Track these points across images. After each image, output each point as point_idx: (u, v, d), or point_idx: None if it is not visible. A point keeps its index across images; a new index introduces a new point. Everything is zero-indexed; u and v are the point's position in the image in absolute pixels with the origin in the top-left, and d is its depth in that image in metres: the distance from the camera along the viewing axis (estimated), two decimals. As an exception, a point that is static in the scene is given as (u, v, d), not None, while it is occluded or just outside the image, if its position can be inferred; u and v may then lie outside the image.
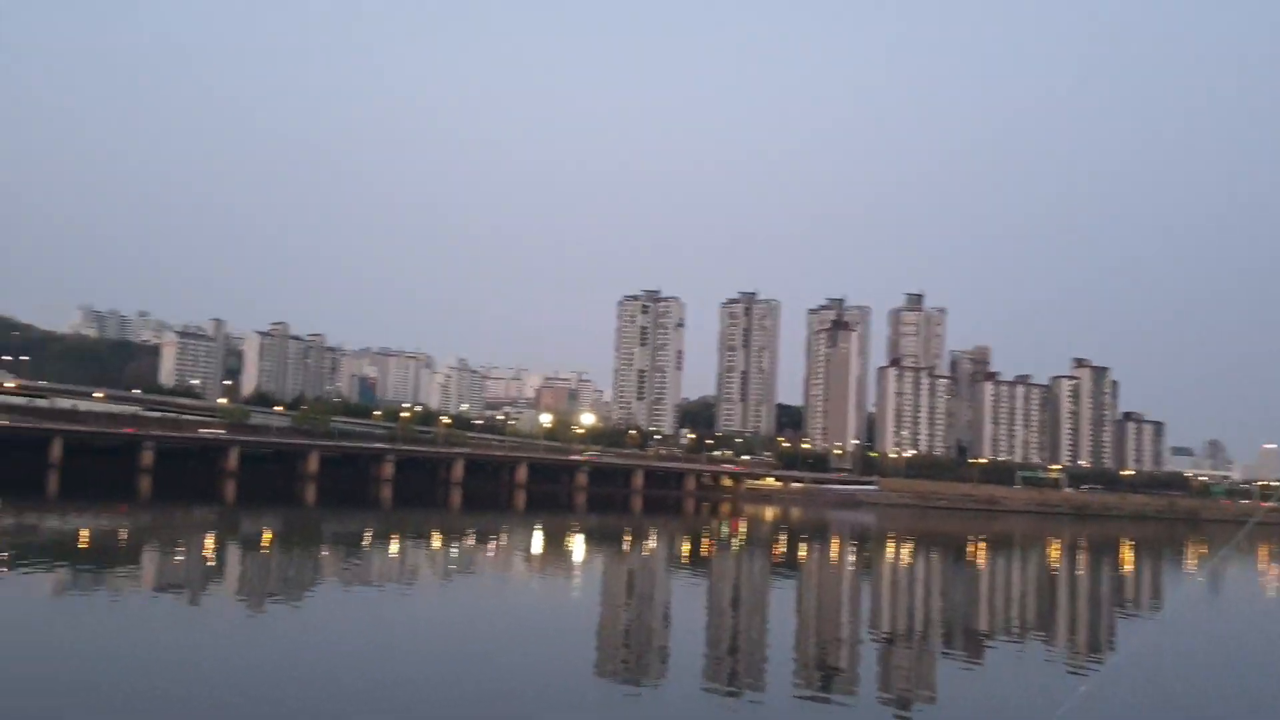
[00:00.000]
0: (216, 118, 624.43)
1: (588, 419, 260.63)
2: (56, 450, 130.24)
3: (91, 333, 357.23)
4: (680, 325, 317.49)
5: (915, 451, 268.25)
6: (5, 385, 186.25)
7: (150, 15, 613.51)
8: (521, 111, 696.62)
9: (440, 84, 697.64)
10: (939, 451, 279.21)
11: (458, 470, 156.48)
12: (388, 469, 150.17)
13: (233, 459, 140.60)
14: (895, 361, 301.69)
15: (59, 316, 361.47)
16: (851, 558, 73.37)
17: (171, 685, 20.65)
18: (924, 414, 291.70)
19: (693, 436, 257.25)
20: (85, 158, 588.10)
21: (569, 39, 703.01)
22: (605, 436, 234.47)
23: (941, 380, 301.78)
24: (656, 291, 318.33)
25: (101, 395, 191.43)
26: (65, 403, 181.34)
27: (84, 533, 57.42)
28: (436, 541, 65.40)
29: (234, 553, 53.05)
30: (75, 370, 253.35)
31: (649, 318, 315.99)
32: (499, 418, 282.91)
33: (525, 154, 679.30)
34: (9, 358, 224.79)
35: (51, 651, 23.37)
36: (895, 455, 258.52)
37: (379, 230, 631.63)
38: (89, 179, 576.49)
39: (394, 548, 59.12)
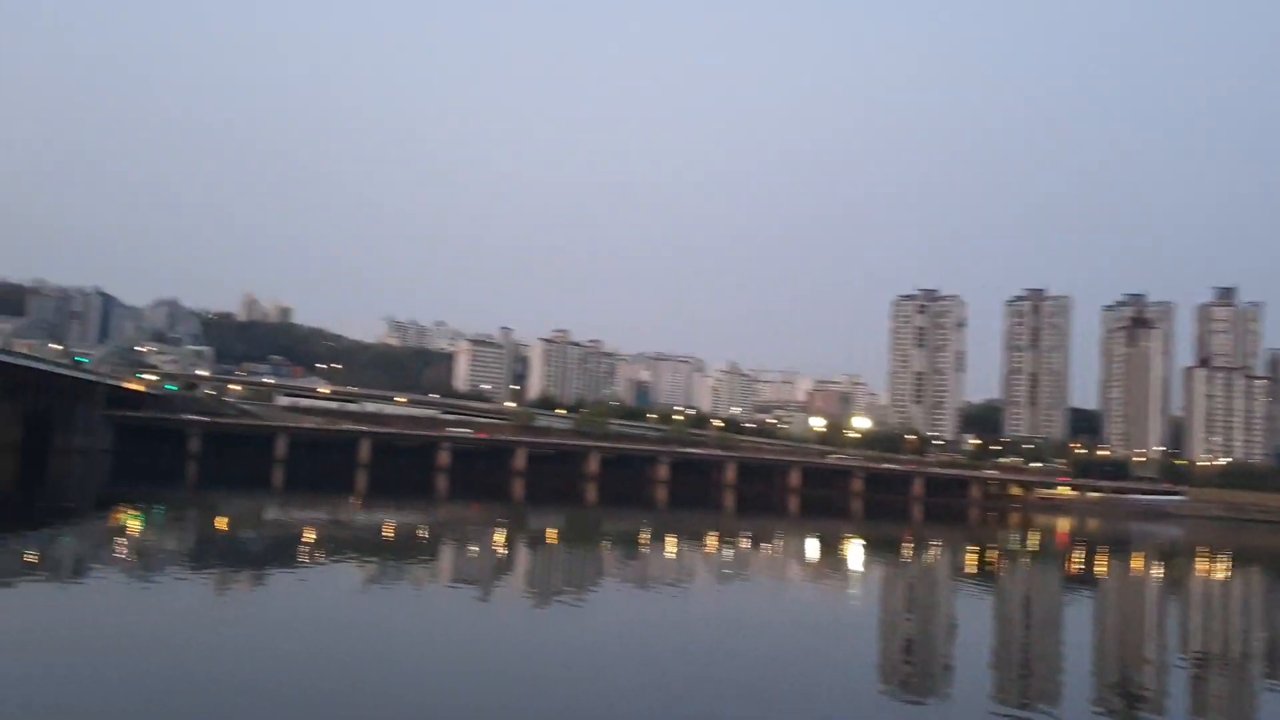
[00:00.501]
0: (452, 148, 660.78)
1: (861, 423, 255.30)
2: (365, 450, 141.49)
3: (394, 342, 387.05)
4: (961, 325, 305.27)
5: (1229, 459, 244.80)
6: (320, 391, 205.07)
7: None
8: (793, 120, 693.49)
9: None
10: (1256, 459, 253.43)
11: (730, 473, 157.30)
12: (662, 470, 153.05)
13: (520, 459, 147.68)
14: (1204, 361, 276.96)
15: (366, 327, 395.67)
16: (1158, 573, 67.46)
17: (458, 681, 21.40)
18: (1238, 418, 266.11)
19: (976, 442, 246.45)
20: (393, 187, 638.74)
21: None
22: (880, 441, 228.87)
23: (1259, 381, 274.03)
24: (934, 290, 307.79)
25: (404, 399, 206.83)
26: (372, 406, 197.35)
27: (389, 528, 61.75)
28: (712, 543, 65.60)
29: (522, 549, 55.32)
30: (380, 376, 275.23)
31: (926, 317, 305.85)
32: (770, 421, 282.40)
33: (801, 153, 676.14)
34: (323, 366, 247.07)
35: (355, 635, 24.90)
36: (1205, 463, 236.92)
37: (653, 240, 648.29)
38: (388, 207, 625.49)
39: (671, 548, 59.78)
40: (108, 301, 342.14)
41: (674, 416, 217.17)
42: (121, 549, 42.66)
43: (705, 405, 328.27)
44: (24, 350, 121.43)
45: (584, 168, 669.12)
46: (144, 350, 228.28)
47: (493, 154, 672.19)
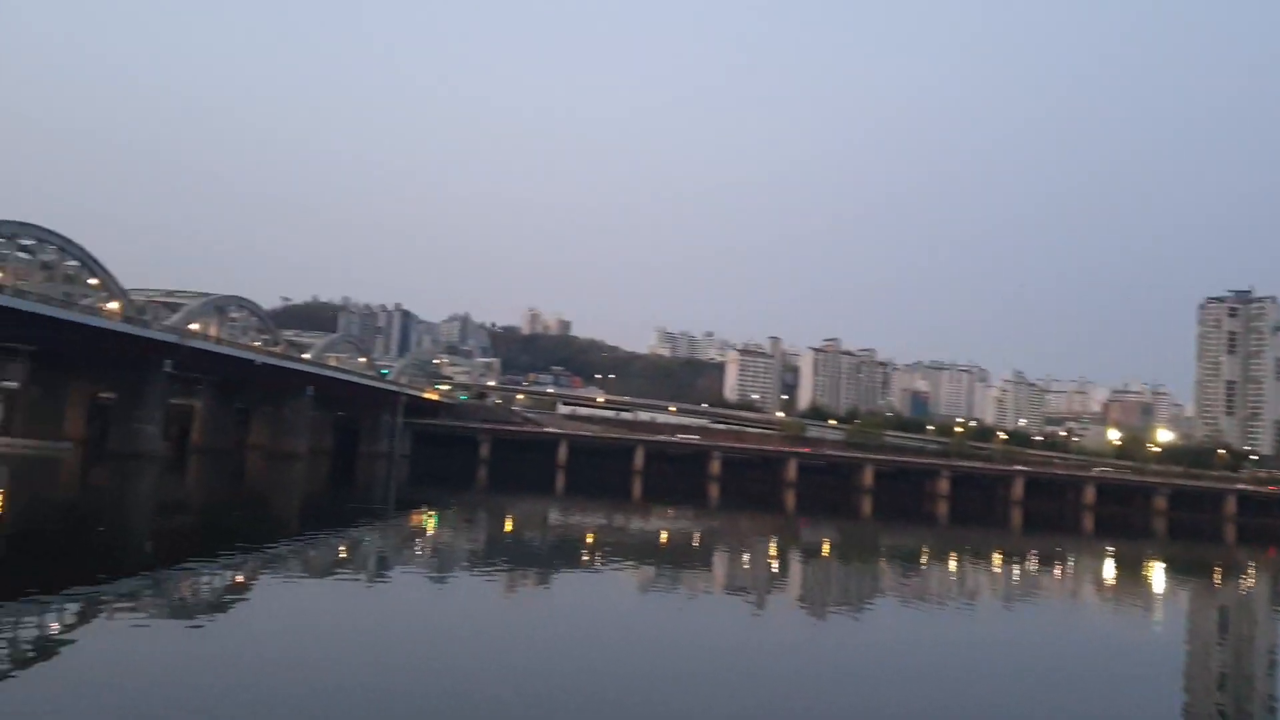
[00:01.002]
0: (714, 166, 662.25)
1: (1165, 436, 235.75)
2: (639, 458, 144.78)
3: (665, 352, 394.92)
4: (1278, 330, 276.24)
5: None
6: (597, 400, 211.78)
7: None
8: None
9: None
10: None
11: (1017, 488, 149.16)
12: (942, 485, 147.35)
13: (791, 470, 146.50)
14: None
15: (639, 338, 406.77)
16: None
17: (722, 687, 20.96)
18: None
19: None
20: (661, 195, 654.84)
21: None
22: (1187, 456, 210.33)
23: None
24: (1247, 291, 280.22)
25: (674, 409, 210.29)
26: (645, 415, 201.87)
27: (664, 534, 62.56)
28: (997, 562, 62.13)
29: (796, 561, 54.46)
30: (652, 386, 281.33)
31: (1239, 321, 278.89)
32: (1061, 434, 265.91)
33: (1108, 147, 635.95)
34: (599, 376, 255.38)
35: (629, 635, 25.02)
36: None
37: (926, 245, 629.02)
38: (657, 225, 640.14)
39: (952, 565, 57.10)
40: (406, 317, 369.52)
41: (955, 429, 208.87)
42: (421, 548, 45.35)
43: (989, 417, 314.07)
44: (334, 363, 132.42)
45: (846, 180, 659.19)
46: (438, 362, 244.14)
47: (752, 169, 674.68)
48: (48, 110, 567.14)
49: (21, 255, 75.56)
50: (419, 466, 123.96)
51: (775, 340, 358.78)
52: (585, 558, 45.15)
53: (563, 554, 46.67)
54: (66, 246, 76.67)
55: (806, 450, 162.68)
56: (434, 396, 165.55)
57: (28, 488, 60.95)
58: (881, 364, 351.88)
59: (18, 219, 72.57)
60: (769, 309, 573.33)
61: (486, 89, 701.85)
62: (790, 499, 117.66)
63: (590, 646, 24.34)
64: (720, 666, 22.99)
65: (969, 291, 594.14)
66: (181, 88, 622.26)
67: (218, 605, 27.03)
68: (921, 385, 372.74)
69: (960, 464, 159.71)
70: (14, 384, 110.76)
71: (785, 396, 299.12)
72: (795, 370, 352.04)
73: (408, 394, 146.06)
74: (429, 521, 59.50)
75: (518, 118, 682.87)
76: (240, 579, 31.33)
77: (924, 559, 60.69)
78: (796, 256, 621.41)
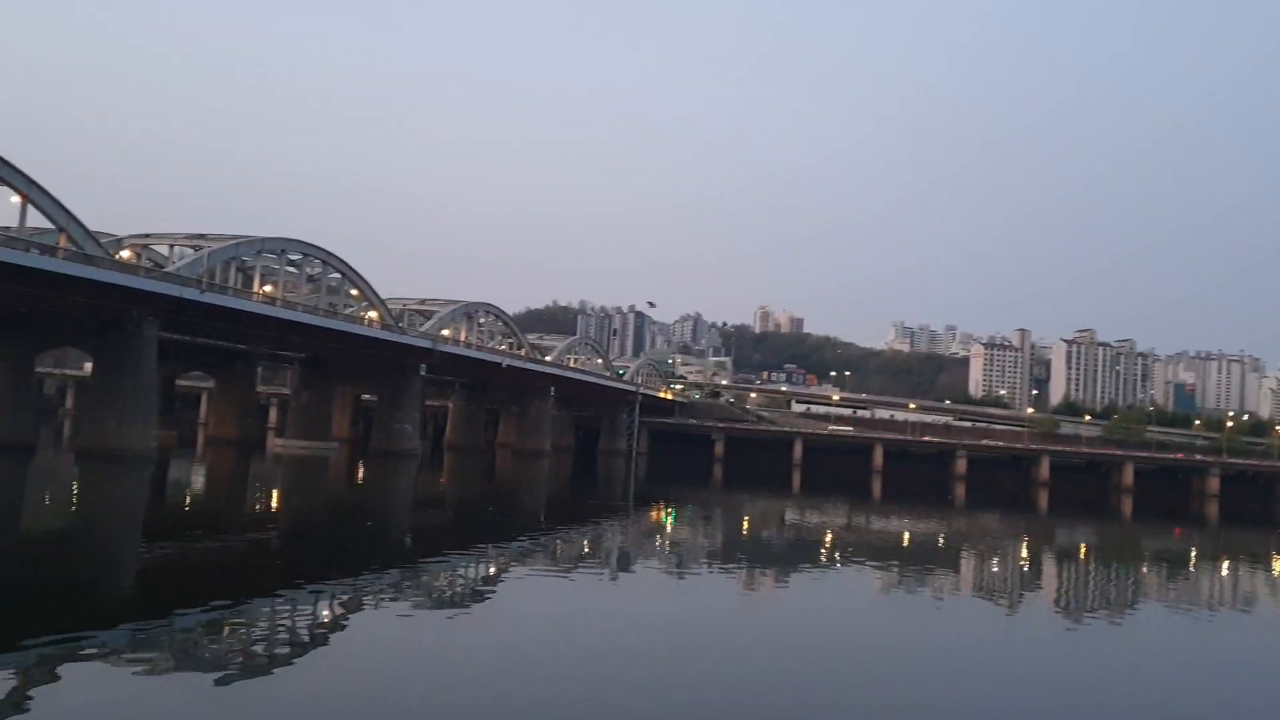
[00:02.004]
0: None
1: None
2: (878, 456, 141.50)
3: (903, 347, 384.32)
4: None
5: None
6: (832, 398, 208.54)
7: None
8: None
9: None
10: None
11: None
12: (1212, 483, 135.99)
13: (1044, 468, 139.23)
14: None
15: (875, 334, 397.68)
16: None
17: (971, 691, 19.91)
18: None
19: None
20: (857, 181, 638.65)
21: None
22: None
23: None
24: None
25: (914, 406, 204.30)
26: (883, 413, 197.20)
27: (906, 534, 60.74)
28: (1278, 567, 56.70)
29: (1050, 562, 51.59)
30: (890, 383, 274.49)
31: None
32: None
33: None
34: (834, 373, 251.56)
35: (868, 637, 24.24)
36: None
37: (1183, 223, 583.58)
38: (892, 215, 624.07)
39: (1224, 569, 52.51)
40: (640, 318, 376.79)
41: (1226, 424, 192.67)
42: (660, 544, 45.91)
43: (1265, 410, 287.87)
44: (574, 365, 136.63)
45: (1091, 149, 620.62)
46: (672, 362, 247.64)
47: (985, 156, 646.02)
48: (329, 165, 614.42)
49: (290, 270, 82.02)
50: (656, 464, 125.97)
51: (1023, 332, 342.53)
52: (824, 557, 44.38)
53: (801, 553, 46.07)
54: (329, 260, 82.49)
55: (1060, 448, 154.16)
56: (669, 395, 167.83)
57: (303, 485, 66.06)
58: (1141, 355, 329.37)
59: (288, 236, 78.67)
60: (1015, 300, 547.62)
61: (684, 93, 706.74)
62: (1043, 498, 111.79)
63: (829, 648, 23.78)
64: (969, 670, 21.93)
65: (1239, 273, 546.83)
66: (435, 123, 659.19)
67: (472, 596, 28.20)
68: (1187, 377, 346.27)
69: (1233, 461, 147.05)
70: (286, 390, 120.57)
71: (1035, 392, 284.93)
72: (1045, 364, 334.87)
73: (643, 393, 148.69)
74: (667, 518, 60.22)
75: (745, 120, 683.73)
76: (493, 571, 32.62)
77: (1193, 562, 56.09)
78: (1044, 243, 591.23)
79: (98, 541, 35.32)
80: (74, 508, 46.01)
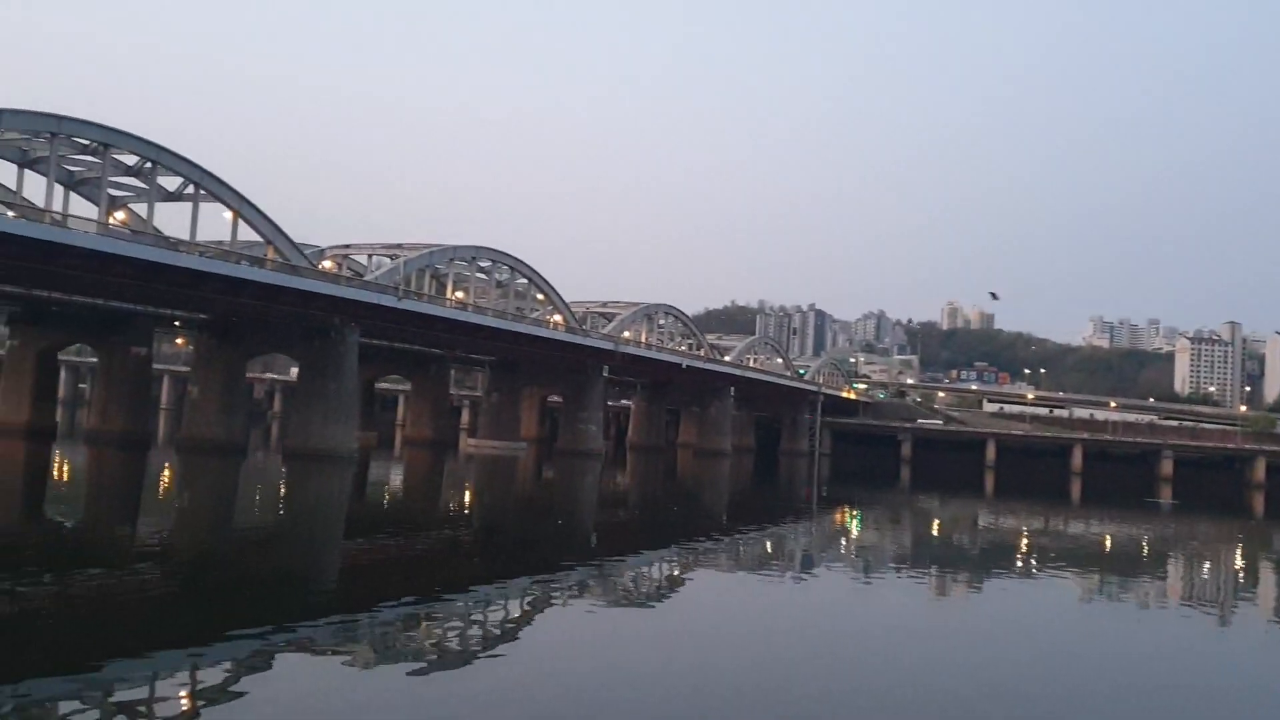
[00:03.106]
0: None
1: None
2: (1077, 458, 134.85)
3: (1102, 343, 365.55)
4: None
5: None
6: (1026, 396, 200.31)
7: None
8: None
9: None
10: None
11: None
12: None
13: (1259, 470, 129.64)
14: None
15: (1071, 329, 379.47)
16: None
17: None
18: None
19: None
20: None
21: None
22: None
23: None
24: None
25: (1115, 404, 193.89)
26: (1082, 412, 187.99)
27: (1107, 539, 57.67)
28: None
29: (1269, 570, 47.95)
30: (1089, 380, 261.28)
31: None
32: None
33: None
34: (1029, 371, 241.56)
35: (1075, 651, 22.97)
36: None
37: None
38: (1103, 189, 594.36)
39: None
40: (820, 316, 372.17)
41: None
42: (845, 547, 45.09)
43: None
44: (754, 365, 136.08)
45: None
46: (855, 360, 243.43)
47: (1189, 148, 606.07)
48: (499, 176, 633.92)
49: (480, 276, 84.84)
50: (839, 465, 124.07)
51: (1233, 325, 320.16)
52: (1019, 563, 42.53)
53: (994, 557, 44.31)
54: (516, 266, 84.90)
55: (1277, 448, 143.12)
56: (851, 395, 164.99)
57: (493, 484, 68.16)
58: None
59: (478, 244, 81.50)
60: (1224, 291, 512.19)
61: (872, 78, 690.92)
62: (1258, 502, 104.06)
63: (1022, 660, 22.63)
64: (1173, 683, 20.50)
65: None
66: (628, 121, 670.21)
67: (657, 595, 28.36)
68: None
69: None
70: (477, 392, 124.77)
71: (1248, 389, 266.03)
72: (1259, 359, 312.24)
73: (825, 393, 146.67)
74: (853, 520, 59.11)
75: (932, 112, 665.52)
76: (677, 571, 32.72)
77: None
78: (1255, 229, 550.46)
79: (304, 538, 37.38)
80: (282, 506, 48.82)
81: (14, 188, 54.75)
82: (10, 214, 49.41)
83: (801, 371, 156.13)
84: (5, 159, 52.31)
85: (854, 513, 64.39)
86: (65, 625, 19.78)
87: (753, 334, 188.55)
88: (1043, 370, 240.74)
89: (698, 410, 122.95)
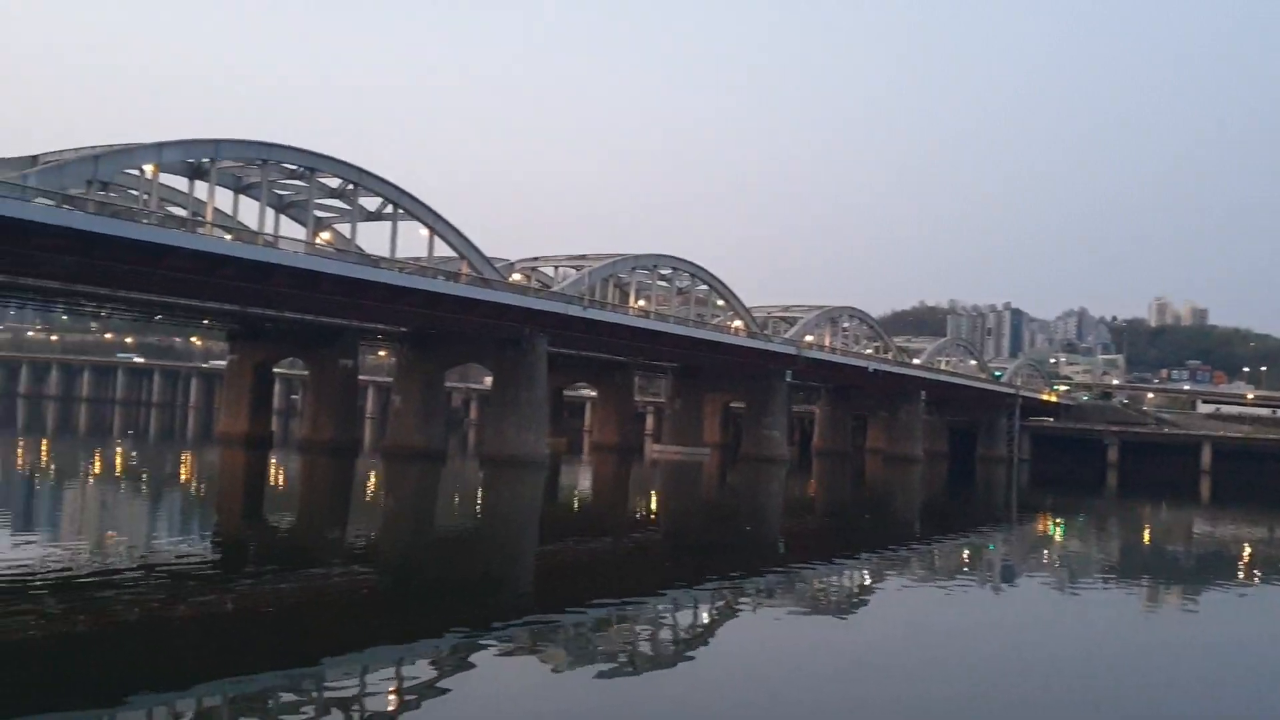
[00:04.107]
0: None
1: None
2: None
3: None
4: None
5: None
6: (1246, 397, 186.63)
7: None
8: None
9: None
10: None
11: None
12: None
13: None
14: None
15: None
16: None
17: None
18: None
19: None
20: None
21: None
22: None
23: None
24: None
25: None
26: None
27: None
28: None
29: None
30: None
31: None
32: None
33: None
34: (1247, 369, 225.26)
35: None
36: None
37: None
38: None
39: None
40: (1016, 316, 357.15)
41: None
42: (1048, 556, 43.12)
43: None
44: (945, 367, 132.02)
45: None
46: (1054, 361, 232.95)
47: None
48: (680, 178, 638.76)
49: (662, 284, 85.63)
50: (1039, 470, 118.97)
51: None
52: (1240, 573, 39.60)
53: (1212, 568, 41.34)
54: (697, 273, 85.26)
55: None
56: (1051, 398, 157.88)
57: (679, 489, 68.57)
58: None
59: (659, 253, 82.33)
60: None
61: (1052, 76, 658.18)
62: None
63: (1243, 679, 20.98)
64: None
65: None
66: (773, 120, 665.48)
67: (847, 603, 27.84)
68: None
69: None
70: (661, 398, 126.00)
71: None
72: None
73: (1023, 395, 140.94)
74: (1055, 528, 56.45)
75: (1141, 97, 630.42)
76: (868, 579, 32.03)
77: None
78: None
79: (501, 540, 38.55)
80: (479, 509, 50.53)
81: (230, 212, 58.95)
82: (228, 237, 53.25)
83: (997, 374, 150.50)
84: (222, 186, 56.14)
85: (1057, 520, 61.52)
86: (283, 622, 21.03)
87: (943, 335, 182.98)
88: (1263, 369, 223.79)
89: (886, 415, 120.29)
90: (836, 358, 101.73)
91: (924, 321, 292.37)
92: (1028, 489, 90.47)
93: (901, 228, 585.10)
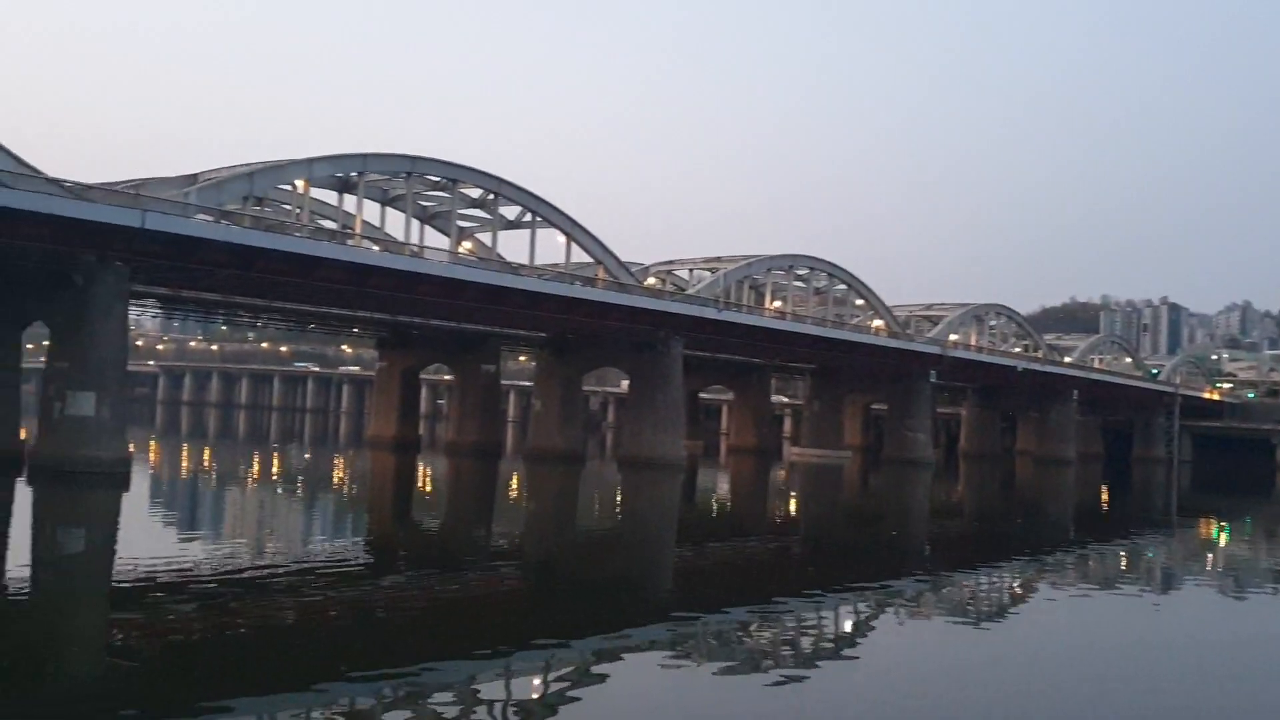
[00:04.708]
0: None
1: None
2: None
3: None
4: None
5: None
6: None
7: None
8: None
9: None
10: None
11: None
12: None
13: None
14: None
15: None
16: None
17: None
18: None
19: None
20: None
21: None
22: None
23: None
24: None
25: None
26: None
27: None
28: None
29: None
30: None
31: None
32: None
33: None
34: None
35: None
36: None
37: None
38: None
39: None
40: (1174, 311, 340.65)
41: None
42: (1213, 563, 40.97)
43: None
44: (1098, 365, 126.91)
45: None
46: (1216, 358, 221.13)
47: None
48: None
49: (798, 284, 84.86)
50: (1201, 472, 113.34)
51: None
52: None
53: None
54: (834, 272, 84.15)
55: None
56: (1214, 396, 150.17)
57: (819, 493, 67.80)
58: None
59: (795, 253, 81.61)
60: None
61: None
62: None
63: None
64: None
65: None
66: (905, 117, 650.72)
67: (997, 611, 26.96)
68: None
69: None
70: (799, 400, 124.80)
71: None
72: None
73: (1183, 394, 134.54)
74: (1220, 533, 53.54)
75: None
76: (1019, 586, 30.98)
77: None
78: None
79: (640, 541, 38.80)
80: (618, 511, 50.94)
81: (378, 224, 61.08)
82: (376, 248, 55.19)
83: (1154, 372, 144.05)
84: (369, 199, 58.22)
85: (1221, 524, 58.34)
86: (432, 620, 21.58)
87: (1095, 332, 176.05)
88: None
89: (1036, 415, 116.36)
90: (983, 357, 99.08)
91: (1075, 318, 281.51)
92: (1188, 492, 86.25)
93: (1051, 221, 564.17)
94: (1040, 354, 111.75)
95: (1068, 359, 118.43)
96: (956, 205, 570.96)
